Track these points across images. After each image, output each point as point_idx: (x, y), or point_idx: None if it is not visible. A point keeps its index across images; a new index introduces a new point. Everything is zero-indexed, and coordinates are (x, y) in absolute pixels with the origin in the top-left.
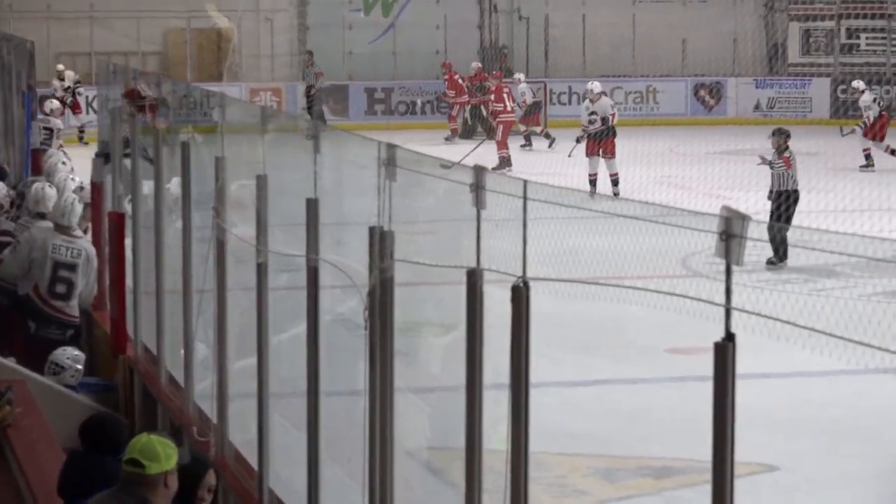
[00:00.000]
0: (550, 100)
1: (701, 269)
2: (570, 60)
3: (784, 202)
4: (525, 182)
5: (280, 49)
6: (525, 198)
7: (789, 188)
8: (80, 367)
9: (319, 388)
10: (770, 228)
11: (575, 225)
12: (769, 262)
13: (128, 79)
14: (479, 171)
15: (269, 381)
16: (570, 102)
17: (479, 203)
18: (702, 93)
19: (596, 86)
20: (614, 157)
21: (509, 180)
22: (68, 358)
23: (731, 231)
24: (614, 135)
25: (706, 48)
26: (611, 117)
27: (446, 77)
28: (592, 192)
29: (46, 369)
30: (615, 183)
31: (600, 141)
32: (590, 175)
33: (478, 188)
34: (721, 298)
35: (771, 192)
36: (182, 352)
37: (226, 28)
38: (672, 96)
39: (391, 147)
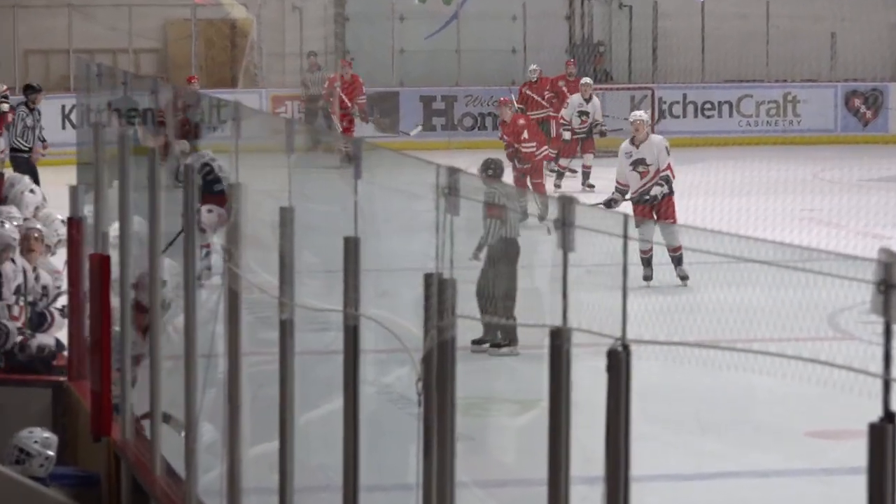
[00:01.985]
0: (661, 112)
1: (853, 330)
2: (685, 62)
3: None
4: (625, 216)
5: (311, 46)
6: (625, 237)
7: None
8: (51, 453)
9: (359, 481)
10: None
11: (691, 273)
12: None
13: (159, 96)
14: (567, 202)
15: (293, 472)
16: (683, 114)
17: (566, 245)
18: (856, 103)
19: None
20: (675, 220)
21: (603, 214)
22: (36, 442)
23: (891, 281)
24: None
25: (862, 45)
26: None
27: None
28: (648, 275)
29: (7, 455)
30: (678, 261)
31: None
32: (642, 252)
33: (564, 225)
34: (878, 367)
35: None
36: (183, 434)
37: (242, 20)
38: (817, 107)
39: (453, 171)
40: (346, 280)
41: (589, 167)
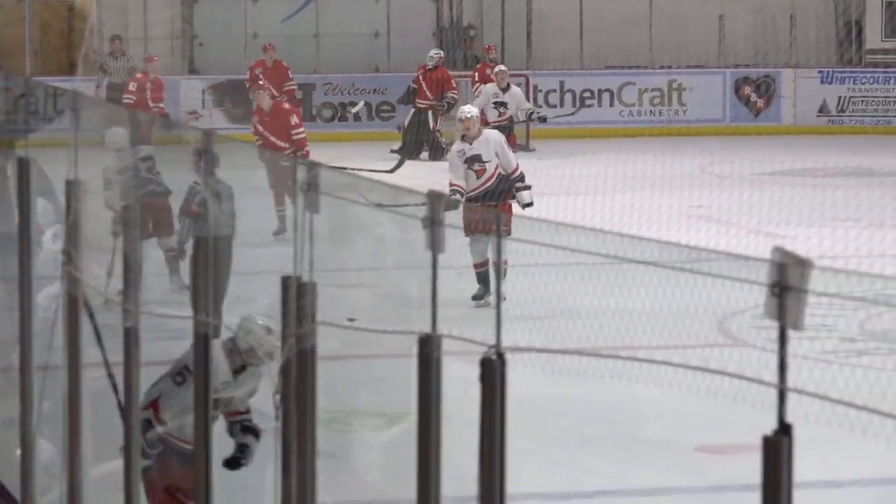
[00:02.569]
0: (536, 100)
1: (745, 336)
2: (562, 47)
3: None
4: (499, 216)
5: (157, 31)
6: (499, 235)
7: None
8: None
9: (213, 502)
10: None
11: (569, 275)
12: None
13: None
14: (435, 198)
15: (140, 493)
16: (561, 103)
17: (435, 245)
18: (746, 90)
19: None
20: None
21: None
22: None
23: (786, 282)
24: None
25: (751, 30)
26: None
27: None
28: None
29: None
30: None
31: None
32: (475, 266)
33: (433, 224)
34: (772, 376)
35: None
36: (18, 452)
37: (81, 1)
38: (705, 95)
39: (312, 166)
40: (195, 284)
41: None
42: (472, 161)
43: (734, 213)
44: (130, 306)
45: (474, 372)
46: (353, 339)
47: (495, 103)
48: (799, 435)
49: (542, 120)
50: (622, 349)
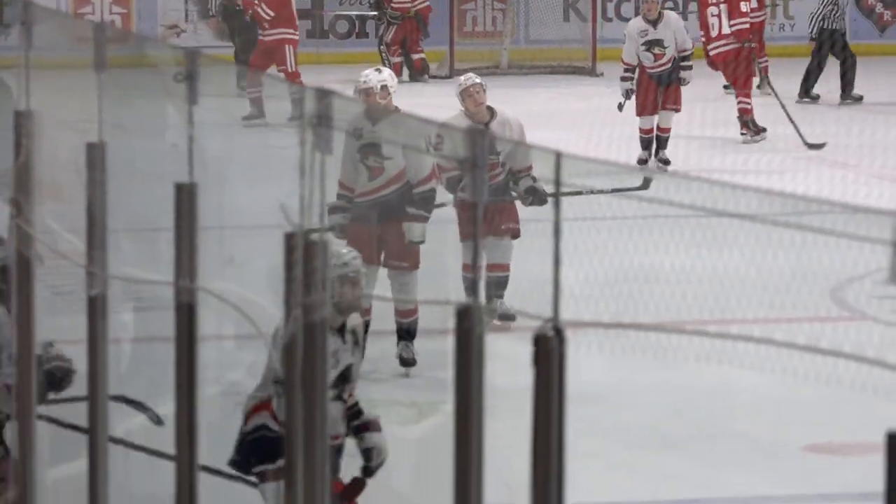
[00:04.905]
0: None
1: (865, 307)
2: None
3: None
4: (558, 154)
5: None
6: (558, 184)
7: None
8: None
9: None
10: None
11: (645, 231)
12: None
13: None
14: (477, 135)
15: (108, 499)
16: None
17: (479, 192)
18: (870, 1)
19: None
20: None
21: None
22: None
23: None
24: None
25: None
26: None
27: None
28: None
29: None
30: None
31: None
32: (642, 131)
33: (475, 167)
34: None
35: None
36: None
37: None
38: (818, 6)
39: (324, 94)
40: (177, 242)
41: (667, 130)
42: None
43: (854, 154)
44: (96, 268)
45: (526, 351)
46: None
47: (646, 43)
48: None
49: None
50: (711, 324)
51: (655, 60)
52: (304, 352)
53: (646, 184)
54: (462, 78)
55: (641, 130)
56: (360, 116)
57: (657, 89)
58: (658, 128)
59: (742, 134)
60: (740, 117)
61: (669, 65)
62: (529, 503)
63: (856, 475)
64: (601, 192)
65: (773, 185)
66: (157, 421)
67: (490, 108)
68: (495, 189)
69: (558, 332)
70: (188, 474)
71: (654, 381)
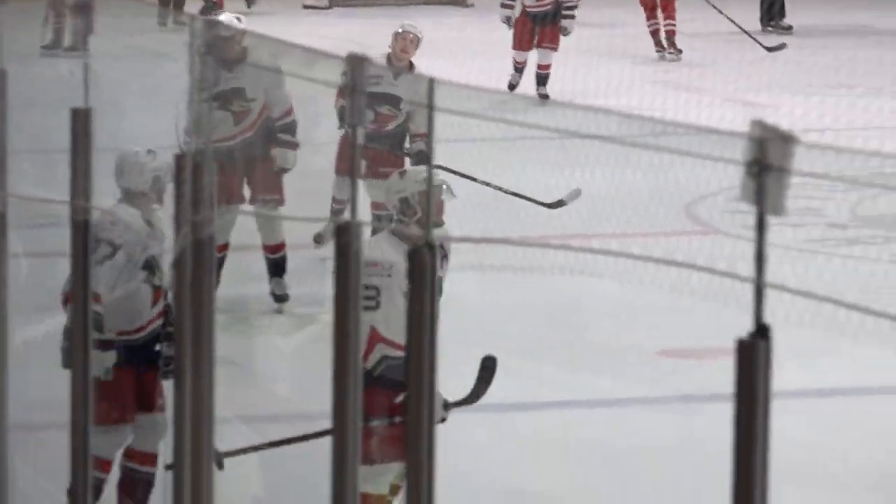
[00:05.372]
0: None
1: (717, 223)
2: None
3: None
4: (432, 80)
5: None
6: (430, 107)
7: None
8: None
9: (89, 418)
10: None
11: (512, 153)
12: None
13: None
14: (356, 63)
15: (8, 406)
16: None
17: (356, 116)
18: None
19: None
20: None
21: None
22: None
23: (766, 160)
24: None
25: None
26: None
27: None
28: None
29: None
30: (542, 81)
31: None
32: (516, 62)
33: (354, 92)
34: (749, 269)
35: None
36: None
37: None
38: None
39: (212, 25)
40: (73, 164)
41: (546, 68)
42: None
43: (706, 79)
44: None
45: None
46: (251, 227)
47: None
48: (778, 338)
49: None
50: (574, 238)
51: (537, 1)
52: (192, 267)
53: (556, 204)
54: (406, 22)
55: (515, 61)
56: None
57: (534, 29)
58: (537, 65)
59: (658, 52)
60: (666, 38)
61: (550, 7)
62: (406, 401)
63: (706, 378)
64: (499, 188)
65: (632, 108)
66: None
67: (412, 64)
68: (387, 137)
69: (430, 247)
70: (82, 383)
71: (521, 292)
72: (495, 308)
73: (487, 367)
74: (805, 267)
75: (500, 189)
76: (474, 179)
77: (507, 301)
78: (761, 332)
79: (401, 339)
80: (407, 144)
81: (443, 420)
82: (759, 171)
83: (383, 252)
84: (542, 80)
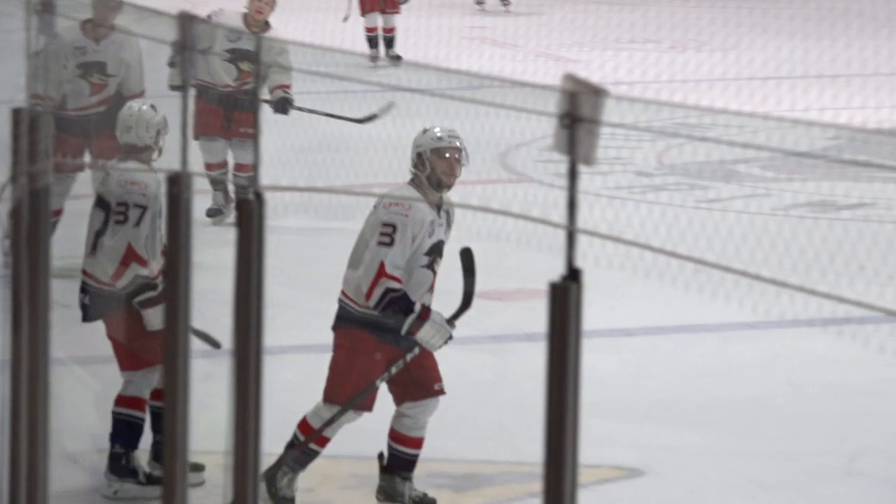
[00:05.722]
0: None
1: (530, 171)
2: None
3: None
4: (260, 37)
5: None
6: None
7: None
8: None
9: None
10: None
11: (335, 105)
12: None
13: None
14: (187, 20)
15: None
16: None
17: (186, 73)
18: None
19: None
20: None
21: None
22: None
23: (577, 113)
24: None
25: None
26: None
27: None
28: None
29: None
30: (390, 42)
31: None
32: (367, 30)
33: (185, 49)
34: (561, 216)
35: None
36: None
37: None
38: None
39: None
40: None
41: (391, 31)
42: None
43: (519, 36)
44: None
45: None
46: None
47: None
48: (589, 280)
49: None
50: (392, 186)
51: None
52: (28, 216)
53: (368, 118)
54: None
55: (366, 29)
56: (80, 35)
57: None
58: (383, 29)
59: (478, 3)
60: None
61: None
62: (232, 345)
63: (521, 319)
64: (328, 115)
65: (450, 62)
66: (216, 345)
67: (268, 23)
68: (247, 95)
69: (258, 196)
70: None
71: (339, 236)
72: (315, 250)
73: (466, 259)
74: (614, 213)
75: (315, 112)
76: (315, 112)
77: (326, 245)
78: (573, 275)
79: (401, 273)
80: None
81: (450, 338)
82: (571, 122)
83: (403, 196)
84: (389, 42)
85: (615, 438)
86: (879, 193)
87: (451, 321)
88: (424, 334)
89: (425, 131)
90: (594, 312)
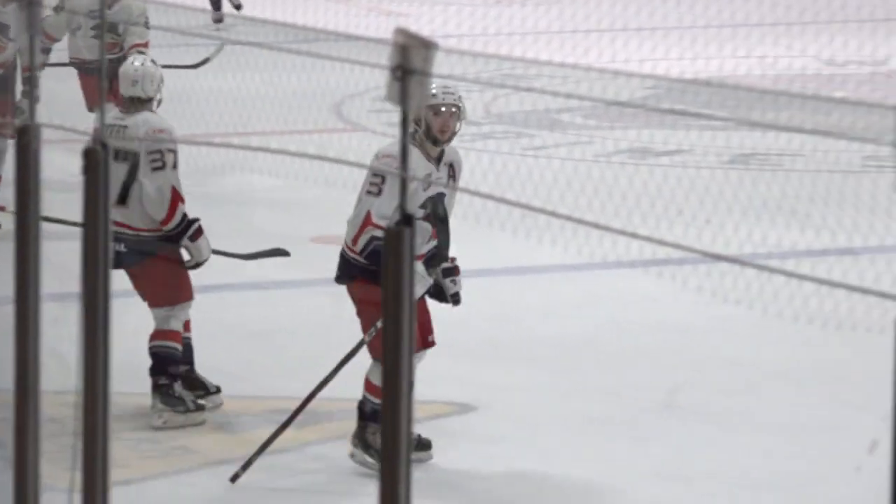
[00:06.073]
0: None
1: (364, 121)
2: None
3: None
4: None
5: None
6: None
7: None
8: None
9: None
10: None
11: (173, 57)
12: None
13: None
14: None
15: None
16: None
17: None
18: None
19: None
20: None
21: None
22: None
23: (408, 65)
24: None
25: None
26: None
27: None
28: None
29: None
30: None
31: None
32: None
33: None
34: (394, 163)
35: None
36: None
37: None
38: None
39: None
40: None
41: None
42: None
43: None
44: None
45: (78, 164)
46: None
47: None
48: (423, 225)
49: None
50: (234, 136)
51: None
52: None
53: (201, 63)
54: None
55: None
56: None
57: None
58: None
59: None
60: None
61: None
62: (80, 292)
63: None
64: (167, 66)
65: (286, 17)
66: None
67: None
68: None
69: (104, 146)
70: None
71: (185, 185)
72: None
73: (434, 207)
74: None
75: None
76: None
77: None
78: (406, 220)
79: (386, 222)
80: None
81: (431, 286)
82: (403, 74)
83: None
84: None
85: (447, 376)
86: (696, 141)
87: (429, 271)
88: None
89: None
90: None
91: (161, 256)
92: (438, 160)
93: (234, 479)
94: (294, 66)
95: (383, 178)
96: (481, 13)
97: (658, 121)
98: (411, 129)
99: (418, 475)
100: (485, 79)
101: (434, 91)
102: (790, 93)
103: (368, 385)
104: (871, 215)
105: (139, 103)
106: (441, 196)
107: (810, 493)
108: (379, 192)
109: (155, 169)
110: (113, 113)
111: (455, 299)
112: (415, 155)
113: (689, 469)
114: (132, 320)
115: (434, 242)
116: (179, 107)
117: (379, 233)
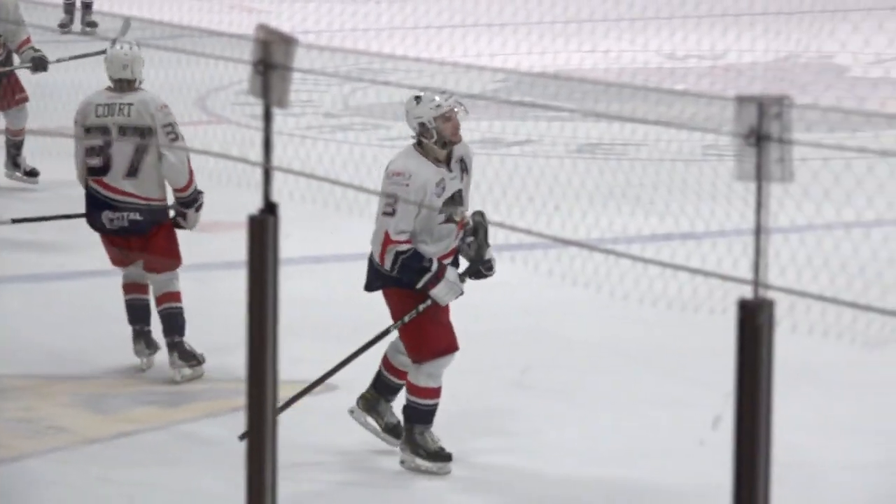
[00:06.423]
0: None
1: (227, 114)
2: None
3: None
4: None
5: None
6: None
7: None
8: None
9: None
10: None
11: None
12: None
13: None
14: None
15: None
16: None
17: None
18: None
19: None
20: None
21: None
22: None
23: (270, 60)
24: None
25: None
26: None
27: None
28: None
29: None
30: (88, 7)
31: None
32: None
33: None
34: (257, 155)
35: None
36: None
37: None
38: None
39: None
40: None
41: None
42: None
43: None
44: None
45: None
46: None
47: None
48: (285, 213)
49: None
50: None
51: None
52: None
53: (113, 42)
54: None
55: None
56: None
57: None
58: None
59: None
60: None
61: None
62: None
63: (223, 250)
64: (77, 56)
65: (152, 16)
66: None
67: None
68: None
69: (273, 213)
70: None
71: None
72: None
73: (475, 220)
74: (306, 151)
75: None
76: (70, 59)
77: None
78: (270, 208)
79: (406, 236)
80: (17, 61)
81: (461, 293)
82: (265, 68)
83: (406, 165)
84: (87, 6)
85: (311, 357)
86: (545, 131)
87: (462, 278)
88: (438, 291)
89: (418, 100)
90: (290, 243)
91: (165, 225)
92: (448, 160)
93: (242, 437)
94: (161, 61)
95: (396, 199)
96: (339, 10)
97: (508, 112)
98: (413, 141)
99: (293, 454)
100: (343, 73)
101: (437, 101)
102: (634, 85)
103: (410, 387)
104: (712, 202)
105: (127, 84)
106: (459, 194)
107: (657, 465)
108: (393, 213)
109: (172, 141)
110: (105, 94)
111: (487, 266)
112: (423, 167)
113: (539, 444)
114: (13, 304)
115: (456, 242)
116: (51, 102)
117: (402, 248)
